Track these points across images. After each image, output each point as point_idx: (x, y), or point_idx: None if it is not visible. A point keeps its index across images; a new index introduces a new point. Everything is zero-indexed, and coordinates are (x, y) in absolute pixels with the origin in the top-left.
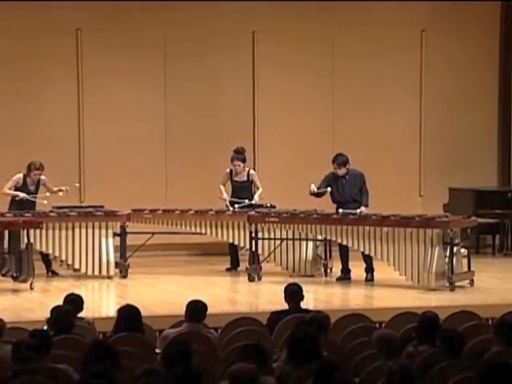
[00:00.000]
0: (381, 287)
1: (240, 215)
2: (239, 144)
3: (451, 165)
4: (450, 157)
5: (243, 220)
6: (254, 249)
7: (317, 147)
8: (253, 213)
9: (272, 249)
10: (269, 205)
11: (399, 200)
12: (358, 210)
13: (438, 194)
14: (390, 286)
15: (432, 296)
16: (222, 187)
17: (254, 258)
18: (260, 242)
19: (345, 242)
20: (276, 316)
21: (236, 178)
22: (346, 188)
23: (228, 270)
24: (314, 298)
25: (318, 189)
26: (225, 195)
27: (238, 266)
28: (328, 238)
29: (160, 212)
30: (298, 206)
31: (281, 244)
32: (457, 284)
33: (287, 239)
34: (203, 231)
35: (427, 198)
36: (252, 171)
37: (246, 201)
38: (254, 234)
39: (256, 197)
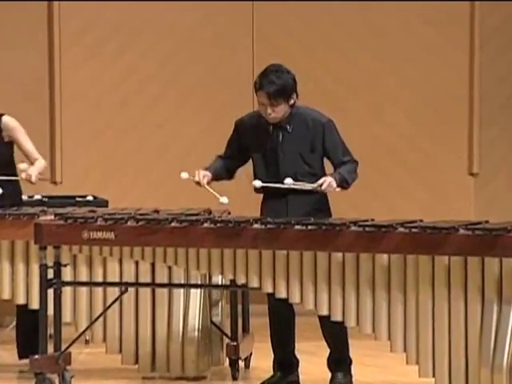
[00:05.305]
0: None
1: (19, 223)
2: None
3: None
4: None
5: (27, 237)
6: (52, 311)
7: (199, 76)
8: (48, 218)
9: (100, 310)
10: (91, 198)
11: (422, 185)
12: (314, 185)
13: None
14: None
15: None
16: None
17: (56, 334)
18: (68, 292)
19: (283, 294)
20: None
21: None
22: (286, 156)
23: None
24: None
25: (208, 179)
26: None
27: None
28: (240, 281)
29: None
30: (164, 202)
31: (121, 297)
32: None
33: (137, 285)
34: None
35: (486, 179)
36: (8, 119)
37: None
38: (53, 275)
39: (33, 177)
